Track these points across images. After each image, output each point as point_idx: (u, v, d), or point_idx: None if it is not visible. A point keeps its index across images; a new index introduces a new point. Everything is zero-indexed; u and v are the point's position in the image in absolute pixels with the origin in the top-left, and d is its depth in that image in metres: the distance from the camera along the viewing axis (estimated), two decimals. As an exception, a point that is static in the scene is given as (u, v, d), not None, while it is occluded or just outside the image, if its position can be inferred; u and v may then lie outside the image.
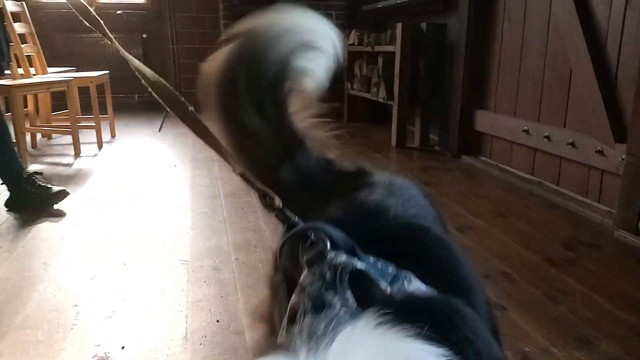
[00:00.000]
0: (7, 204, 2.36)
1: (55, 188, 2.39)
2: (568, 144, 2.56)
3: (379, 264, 0.53)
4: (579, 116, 2.52)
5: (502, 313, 1.52)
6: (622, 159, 2.18)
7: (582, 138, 2.48)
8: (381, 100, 4.19)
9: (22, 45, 3.55)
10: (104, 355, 1.31)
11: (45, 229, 2.18)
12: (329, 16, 5.21)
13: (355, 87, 4.80)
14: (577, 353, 1.33)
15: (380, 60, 4.17)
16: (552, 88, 2.72)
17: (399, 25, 3.73)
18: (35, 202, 2.33)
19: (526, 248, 2.00)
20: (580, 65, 2.46)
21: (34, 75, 3.72)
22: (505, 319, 1.49)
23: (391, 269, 0.53)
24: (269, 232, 2.15)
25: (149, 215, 2.35)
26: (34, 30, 3.83)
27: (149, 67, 0.84)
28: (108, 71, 4.26)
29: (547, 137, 2.71)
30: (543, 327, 1.45)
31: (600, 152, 2.35)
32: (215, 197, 2.62)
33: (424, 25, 3.70)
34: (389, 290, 0.50)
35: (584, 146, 2.47)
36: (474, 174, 3.11)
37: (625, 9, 2.24)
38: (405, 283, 0.52)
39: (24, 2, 3.82)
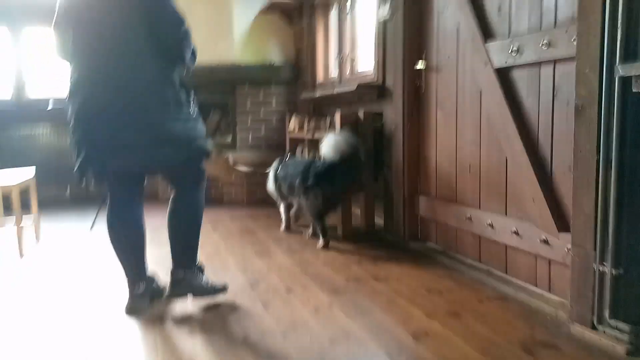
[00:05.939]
0: None
1: None
2: (512, 232, 2.55)
3: None
4: (520, 205, 2.53)
5: None
6: (568, 249, 2.16)
7: (525, 227, 2.47)
8: (324, 187, 4.13)
9: None
10: None
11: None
12: (269, 104, 5.26)
13: (297, 172, 4.74)
14: None
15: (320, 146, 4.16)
16: (490, 176, 2.74)
17: (337, 114, 3.77)
18: None
19: (486, 355, 1.89)
20: (515, 155, 2.50)
21: (-53, 180, 3.40)
22: None
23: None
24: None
25: (70, 334, 2.08)
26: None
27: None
28: (34, 166, 3.97)
29: (490, 224, 2.70)
30: None
31: (545, 242, 2.34)
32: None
33: (361, 113, 3.76)
34: None
35: (528, 235, 2.46)
36: (423, 264, 3.03)
37: (553, 101, 2.31)
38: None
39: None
